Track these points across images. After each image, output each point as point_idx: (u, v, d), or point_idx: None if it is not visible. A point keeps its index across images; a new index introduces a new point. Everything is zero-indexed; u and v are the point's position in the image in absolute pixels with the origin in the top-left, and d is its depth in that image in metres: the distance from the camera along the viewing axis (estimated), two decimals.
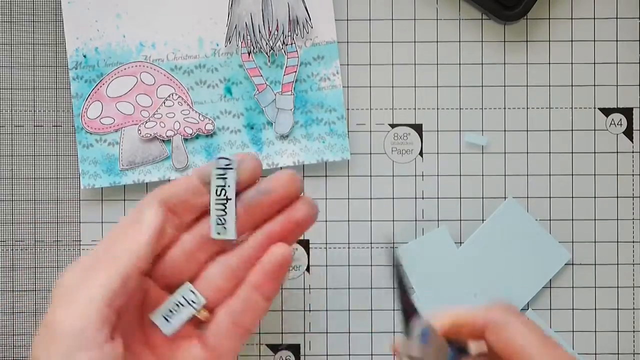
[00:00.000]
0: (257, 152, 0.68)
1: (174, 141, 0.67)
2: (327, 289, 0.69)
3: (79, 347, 0.49)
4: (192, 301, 0.53)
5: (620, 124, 0.69)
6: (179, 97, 0.68)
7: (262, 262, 0.54)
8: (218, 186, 0.53)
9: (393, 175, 0.69)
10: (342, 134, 0.68)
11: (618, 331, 0.69)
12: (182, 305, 0.53)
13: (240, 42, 0.68)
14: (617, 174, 0.69)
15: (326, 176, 0.69)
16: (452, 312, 0.51)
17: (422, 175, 0.69)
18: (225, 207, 0.51)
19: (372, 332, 0.69)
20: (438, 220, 0.69)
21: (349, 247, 0.69)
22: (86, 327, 0.49)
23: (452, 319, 0.51)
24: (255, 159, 0.56)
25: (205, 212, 0.55)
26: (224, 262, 0.55)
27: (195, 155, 0.68)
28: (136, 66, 0.68)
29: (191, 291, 0.54)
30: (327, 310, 0.69)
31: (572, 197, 0.69)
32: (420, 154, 0.69)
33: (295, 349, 0.69)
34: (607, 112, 0.69)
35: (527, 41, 0.69)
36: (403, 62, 0.69)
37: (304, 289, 0.69)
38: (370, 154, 0.69)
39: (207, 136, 0.68)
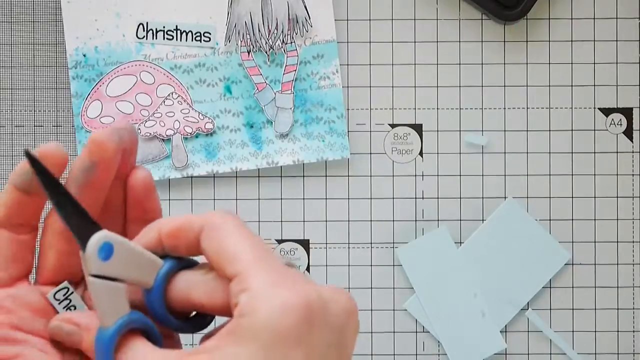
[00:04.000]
0: (257, 150, 0.68)
1: (174, 140, 0.67)
2: None
3: None
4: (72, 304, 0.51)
5: (620, 124, 0.69)
6: (179, 96, 0.68)
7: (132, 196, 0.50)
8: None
9: (393, 175, 0.69)
10: (341, 132, 0.68)
11: (618, 331, 0.69)
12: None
13: (239, 41, 0.68)
14: (617, 174, 0.69)
15: (326, 176, 0.69)
16: (166, 221, 0.46)
17: (422, 175, 0.69)
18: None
19: (372, 332, 0.69)
20: (438, 220, 0.69)
21: (349, 247, 0.69)
22: None
23: (167, 228, 0.46)
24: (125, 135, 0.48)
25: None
26: None
27: (195, 154, 0.68)
28: (136, 65, 0.68)
29: (56, 299, 0.51)
30: None
31: (572, 197, 0.69)
32: (420, 154, 0.69)
33: None
34: (607, 112, 0.69)
35: (527, 41, 0.70)
36: (403, 62, 0.69)
37: None
38: (370, 154, 0.69)
39: (206, 135, 0.68)
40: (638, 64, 0.69)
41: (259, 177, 0.69)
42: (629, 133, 0.69)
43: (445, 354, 0.69)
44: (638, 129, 0.69)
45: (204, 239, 0.45)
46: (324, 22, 0.68)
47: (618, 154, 0.69)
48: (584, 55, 0.70)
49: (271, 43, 0.67)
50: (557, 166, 0.69)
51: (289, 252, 0.69)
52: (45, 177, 0.44)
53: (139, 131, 0.67)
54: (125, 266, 0.45)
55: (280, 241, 0.69)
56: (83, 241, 0.44)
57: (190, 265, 0.47)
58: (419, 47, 0.69)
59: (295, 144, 0.68)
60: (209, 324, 0.48)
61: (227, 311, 0.45)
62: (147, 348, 0.44)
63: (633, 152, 0.69)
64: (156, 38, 0.68)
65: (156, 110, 0.68)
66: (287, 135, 0.68)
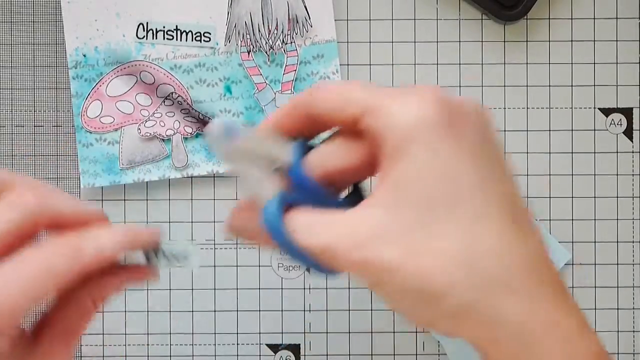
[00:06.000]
0: None
1: (174, 140, 0.68)
2: (327, 289, 0.69)
3: None
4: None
5: (620, 124, 0.69)
6: (179, 96, 0.68)
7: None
8: None
9: None
10: None
11: (618, 331, 0.69)
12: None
13: (239, 41, 0.68)
14: (617, 174, 0.69)
15: None
16: (271, 116, 0.47)
17: None
18: None
19: (372, 332, 0.69)
20: None
21: None
22: None
23: (281, 112, 0.47)
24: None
25: None
26: None
27: (195, 154, 0.68)
28: (136, 65, 0.68)
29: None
30: (327, 310, 0.69)
31: (572, 197, 0.69)
32: None
33: (295, 349, 0.69)
34: (607, 112, 0.69)
35: (527, 41, 0.70)
36: (403, 62, 0.69)
37: (304, 289, 0.69)
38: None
39: None
40: (638, 64, 0.69)
41: None
42: (629, 133, 0.69)
43: (445, 354, 0.69)
44: (638, 129, 0.69)
45: (318, 102, 0.45)
46: (324, 22, 0.68)
47: (618, 154, 0.69)
48: (584, 55, 0.69)
49: (271, 43, 0.68)
50: (557, 166, 0.69)
51: None
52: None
53: (139, 131, 0.67)
54: (257, 144, 0.45)
55: None
56: (207, 127, 0.45)
57: (311, 146, 0.47)
58: (419, 47, 0.69)
59: None
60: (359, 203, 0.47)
61: (367, 168, 0.45)
62: (316, 212, 0.44)
63: (633, 152, 0.69)
64: (156, 38, 0.68)
65: (156, 110, 0.68)
66: None
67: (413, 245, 0.41)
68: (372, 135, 0.43)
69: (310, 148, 0.46)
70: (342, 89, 0.45)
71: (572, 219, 0.69)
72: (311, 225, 0.43)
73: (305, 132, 0.47)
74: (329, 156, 0.46)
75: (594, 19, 0.70)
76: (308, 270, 0.44)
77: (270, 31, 0.67)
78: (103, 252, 0.46)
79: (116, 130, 0.68)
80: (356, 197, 0.48)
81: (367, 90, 0.44)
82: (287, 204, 0.44)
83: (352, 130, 0.45)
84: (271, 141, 0.46)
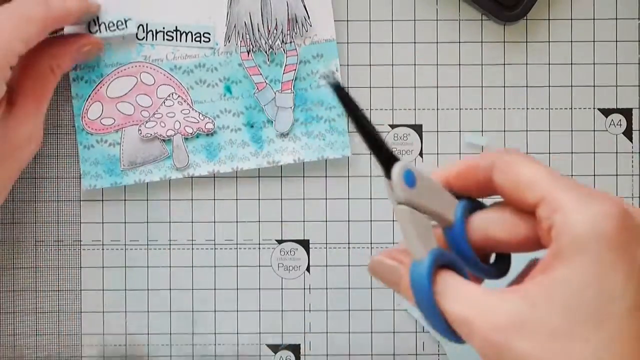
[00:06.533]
0: (257, 150, 0.68)
1: (175, 141, 0.68)
2: (327, 289, 0.69)
3: None
4: None
5: (620, 125, 0.69)
6: (179, 96, 0.68)
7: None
8: None
9: None
10: (342, 130, 0.68)
11: None
12: None
13: (239, 41, 0.68)
14: (617, 174, 0.69)
15: (326, 176, 0.69)
16: (453, 163, 0.48)
17: None
18: None
19: (372, 332, 0.69)
20: None
21: (349, 247, 0.69)
22: None
23: (455, 169, 0.47)
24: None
25: None
26: None
27: (196, 154, 0.68)
28: (136, 66, 0.68)
29: None
30: (327, 310, 0.69)
31: None
32: (420, 154, 0.69)
33: (295, 349, 0.69)
34: (606, 112, 0.70)
35: (527, 42, 0.70)
36: (403, 62, 0.69)
37: (304, 289, 0.69)
38: (371, 154, 0.69)
39: (207, 135, 0.68)
40: (638, 64, 0.70)
41: (259, 177, 0.69)
42: (628, 133, 0.69)
43: (445, 354, 0.69)
44: (638, 129, 0.69)
45: (498, 173, 0.45)
46: (323, 21, 0.68)
47: (618, 154, 0.69)
48: (584, 56, 0.70)
49: (271, 43, 0.68)
50: (557, 166, 0.69)
51: (289, 252, 0.69)
52: (350, 106, 0.46)
53: (140, 132, 0.67)
54: (428, 196, 0.45)
55: (280, 241, 0.69)
56: (387, 168, 0.44)
57: (482, 206, 0.47)
58: (418, 47, 0.70)
59: (296, 143, 0.68)
60: (507, 270, 0.48)
61: (528, 245, 0.45)
62: (464, 282, 0.44)
63: (633, 152, 0.69)
64: (156, 39, 0.68)
65: (156, 111, 0.68)
66: (287, 134, 0.68)
67: (549, 347, 0.41)
68: (544, 225, 0.43)
69: (473, 206, 0.47)
70: (527, 170, 0.45)
71: None
72: (458, 293, 0.44)
73: (473, 192, 0.47)
74: (495, 224, 0.46)
75: (594, 19, 0.70)
76: (439, 333, 0.45)
77: (269, 31, 0.68)
78: (67, 8, 0.60)
79: (117, 131, 0.68)
80: (503, 265, 0.48)
81: (551, 180, 0.44)
82: (439, 262, 0.44)
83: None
84: (441, 196, 0.46)
